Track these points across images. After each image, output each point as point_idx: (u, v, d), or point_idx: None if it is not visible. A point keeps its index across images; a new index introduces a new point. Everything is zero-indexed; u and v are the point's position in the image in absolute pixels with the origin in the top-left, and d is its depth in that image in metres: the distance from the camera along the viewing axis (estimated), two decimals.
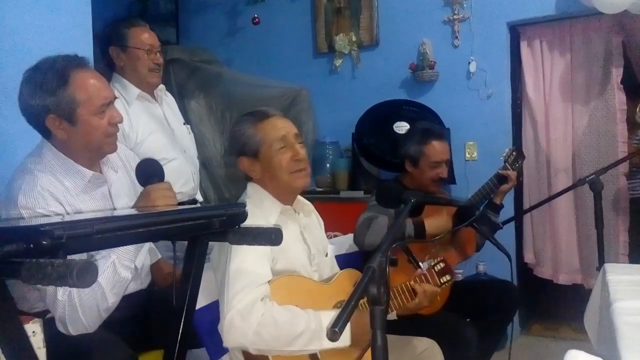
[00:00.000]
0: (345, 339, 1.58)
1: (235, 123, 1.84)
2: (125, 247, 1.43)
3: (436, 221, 2.33)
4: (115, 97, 1.66)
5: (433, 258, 2.09)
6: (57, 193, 1.50)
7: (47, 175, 1.52)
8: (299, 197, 1.86)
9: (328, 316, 1.61)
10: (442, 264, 2.02)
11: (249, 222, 1.64)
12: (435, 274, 2.00)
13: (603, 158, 3.35)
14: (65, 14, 2.14)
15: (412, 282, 1.95)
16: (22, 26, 2.01)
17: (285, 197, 1.79)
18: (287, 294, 1.63)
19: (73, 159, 1.58)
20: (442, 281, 1.99)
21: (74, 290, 1.38)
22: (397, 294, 1.93)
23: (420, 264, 2.10)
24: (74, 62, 1.56)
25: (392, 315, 1.94)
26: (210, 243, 1.40)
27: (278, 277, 1.65)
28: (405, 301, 1.91)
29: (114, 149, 1.67)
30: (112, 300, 1.44)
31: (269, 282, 1.61)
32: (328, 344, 1.53)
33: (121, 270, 1.44)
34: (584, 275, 3.48)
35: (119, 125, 1.63)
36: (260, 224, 1.63)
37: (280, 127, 1.75)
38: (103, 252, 1.43)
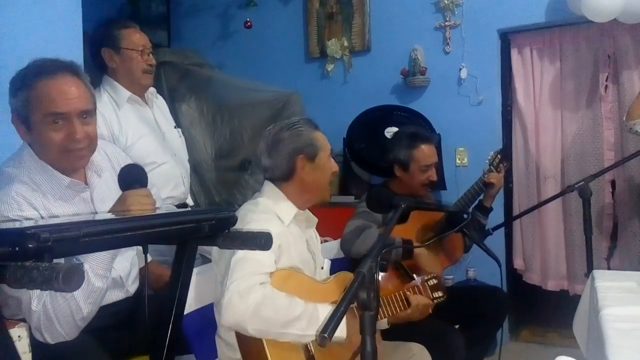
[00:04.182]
0: (342, 330, 1.61)
1: (293, 124, 1.87)
2: (98, 256, 1.39)
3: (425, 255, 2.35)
4: (88, 110, 1.53)
5: (425, 273, 2.12)
6: (33, 199, 1.45)
7: (24, 180, 1.47)
8: (307, 210, 1.93)
9: (324, 308, 1.65)
10: (434, 280, 2.05)
11: (263, 219, 1.71)
12: (428, 287, 2.03)
13: (590, 165, 3.38)
14: (55, 15, 2.12)
15: (406, 292, 1.97)
16: (11, 27, 1.99)
17: (305, 204, 1.88)
18: (286, 286, 1.65)
19: (50, 165, 1.52)
20: (434, 296, 2.03)
21: (48, 301, 1.35)
22: (389, 303, 1.94)
23: (415, 276, 2.13)
24: (55, 66, 1.48)
25: (383, 324, 1.96)
26: None
27: (279, 269, 1.68)
28: (397, 310, 1.94)
29: (81, 164, 1.59)
30: (87, 310, 1.39)
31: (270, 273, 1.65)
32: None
33: (95, 280, 1.39)
34: (569, 281, 3.49)
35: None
36: (274, 224, 1.71)
37: (327, 141, 1.91)
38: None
